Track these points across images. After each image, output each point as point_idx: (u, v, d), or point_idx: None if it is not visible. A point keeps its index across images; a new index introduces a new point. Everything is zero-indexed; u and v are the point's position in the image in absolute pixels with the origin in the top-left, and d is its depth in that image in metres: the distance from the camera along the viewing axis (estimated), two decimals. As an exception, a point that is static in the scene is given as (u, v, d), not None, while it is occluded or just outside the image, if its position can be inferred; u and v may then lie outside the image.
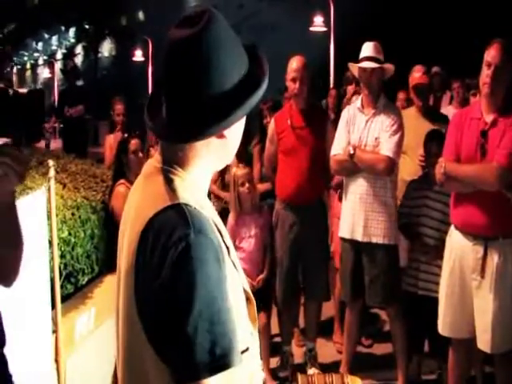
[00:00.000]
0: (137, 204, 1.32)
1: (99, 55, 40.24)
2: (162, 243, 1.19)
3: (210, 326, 1.16)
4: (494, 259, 3.11)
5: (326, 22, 7.42)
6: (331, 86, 6.67)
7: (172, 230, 1.19)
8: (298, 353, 4.29)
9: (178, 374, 1.17)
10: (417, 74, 4.34)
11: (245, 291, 1.33)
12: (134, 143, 4.04)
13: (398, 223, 3.78)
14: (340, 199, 4.48)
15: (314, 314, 4.18)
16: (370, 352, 4.42)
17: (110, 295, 3.59)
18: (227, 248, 1.28)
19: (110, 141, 5.78)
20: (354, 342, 4.01)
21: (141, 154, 4.06)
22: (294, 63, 3.88)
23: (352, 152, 3.66)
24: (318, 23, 7.31)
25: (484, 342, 3.18)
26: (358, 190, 3.72)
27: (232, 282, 1.25)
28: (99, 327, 3.38)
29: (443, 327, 3.34)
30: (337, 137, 3.81)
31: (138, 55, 11.31)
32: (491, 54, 3.06)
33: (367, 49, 3.70)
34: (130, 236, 1.28)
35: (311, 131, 3.92)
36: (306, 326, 4.27)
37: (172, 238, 1.18)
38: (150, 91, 9.94)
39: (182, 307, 1.16)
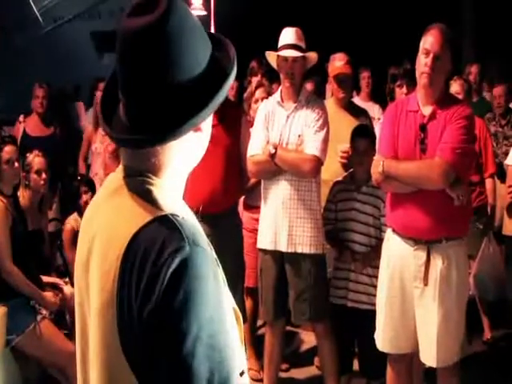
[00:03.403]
0: (107, 225, 1.23)
1: None
2: (152, 261, 1.12)
3: (208, 351, 1.11)
4: (437, 264, 3.10)
5: (206, 6, 7.23)
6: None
7: (162, 245, 1.12)
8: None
9: None
10: (339, 63, 4.27)
11: (234, 311, 1.27)
12: (7, 151, 3.66)
13: (323, 230, 3.67)
14: (246, 207, 4.31)
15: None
16: (291, 377, 4.28)
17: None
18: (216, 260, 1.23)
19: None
20: (276, 367, 3.87)
21: (17, 164, 3.65)
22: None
23: (273, 151, 3.51)
24: (196, 6, 7.07)
25: (428, 356, 3.17)
26: (279, 194, 3.58)
27: (226, 302, 1.20)
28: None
29: (383, 343, 3.28)
30: (254, 135, 3.65)
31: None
32: (429, 41, 3.05)
33: (287, 35, 3.57)
34: (102, 265, 1.19)
35: (224, 129, 3.72)
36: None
37: (164, 254, 1.12)
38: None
39: (177, 332, 1.10)
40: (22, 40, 12.70)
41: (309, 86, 5.50)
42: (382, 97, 5.31)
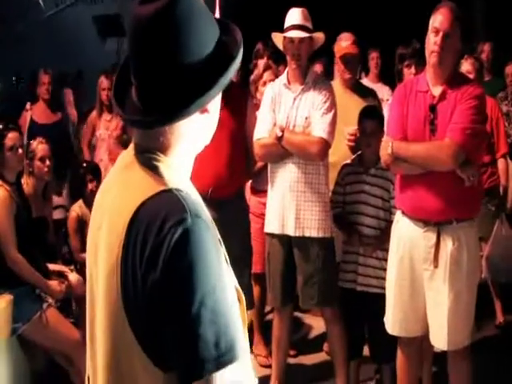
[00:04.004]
0: (115, 198, 1.30)
1: None
2: (156, 231, 1.18)
3: (213, 316, 1.16)
4: (447, 246, 3.10)
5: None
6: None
7: (166, 216, 1.18)
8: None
9: (182, 372, 1.17)
10: (345, 43, 4.24)
11: (236, 290, 1.32)
12: (11, 137, 3.66)
13: (331, 213, 3.67)
14: (254, 191, 4.32)
15: (235, 325, 3.97)
16: (299, 363, 4.30)
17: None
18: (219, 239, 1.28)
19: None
20: (284, 353, 3.89)
21: (20, 151, 3.66)
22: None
23: (280, 134, 3.50)
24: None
25: (439, 339, 3.18)
26: (286, 177, 3.58)
27: (227, 276, 1.26)
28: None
29: (393, 326, 3.29)
30: (260, 118, 3.65)
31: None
32: (439, 20, 3.04)
33: (293, 16, 3.55)
34: (110, 233, 1.26)
35: (229, 112, 3.70)
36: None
37: (167, 225, 1.17)
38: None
39: (182, 298, 1.15)
40: (23, 25, 12.67)
41: (317, 67, 5.49)
42: (390, 78, 5.28)
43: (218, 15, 7.18)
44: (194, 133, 1.33)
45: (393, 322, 3.28)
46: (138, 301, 1.19)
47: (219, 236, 1.29)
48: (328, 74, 5.56)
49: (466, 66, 4.33)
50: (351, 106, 3.98)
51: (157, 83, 1.26)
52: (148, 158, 1.29)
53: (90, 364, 1.35)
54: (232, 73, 1.28)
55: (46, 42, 12.06)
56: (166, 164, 1.29)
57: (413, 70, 4.26)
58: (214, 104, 1.33)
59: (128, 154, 1.35)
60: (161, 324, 1.17)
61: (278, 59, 4.62)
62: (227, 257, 1.33)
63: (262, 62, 4.57)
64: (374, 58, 6.10)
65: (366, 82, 5.54)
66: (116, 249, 1.22)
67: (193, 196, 1.27)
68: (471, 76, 4.11)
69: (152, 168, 1.27)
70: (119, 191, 1.30)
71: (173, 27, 1.23)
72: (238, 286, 1.34)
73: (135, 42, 1.27)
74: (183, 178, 1.32)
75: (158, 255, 1.16)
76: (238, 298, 1.31)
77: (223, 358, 1.16)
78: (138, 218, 1.21)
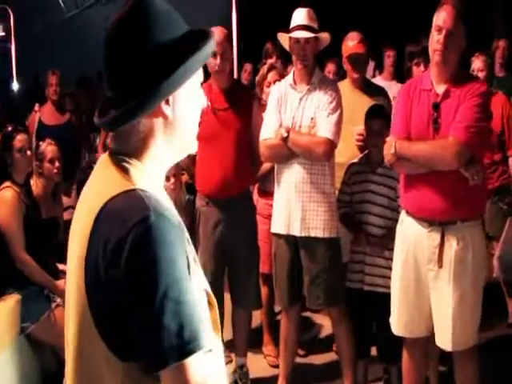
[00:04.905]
0: (87, 195, 1.36)
1: None
2: (119, 228, 1.21)
3: (176, 306, 1.18)
4: (452, 246, 3.08)
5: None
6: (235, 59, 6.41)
7: (129, 214, 1.22)
8: (225, 371, 4.08)
9: (146, 362, 1.20)
10: (351, 43, 4.23)
11: (207, 294, 1.35)
12: (20, 139, 3.73)
13: (338, 213, 3.68)
14: (261, 193, 4.33)
15: (244, 325, 4.02)
16: (308, 362, 4.31)
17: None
18: (187, 240, 1.30)
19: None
20: (292, 353, 3.89)
21: (29, 152, 3.72)
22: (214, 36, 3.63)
23: (285, 135, 3.51)
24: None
25: (443, 340, 3.16)
26: (292, 178, 3.59)
27: (194, 277, 1.27)
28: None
29: (398, 327, 3.28)
30: (266, 118, 3.65)
31: (-4, 29, 10.52)
32: (442, 18, 3.02)
33: (299, 16, 3.56)
34: (80, 229, 1.30)
35: (235, 113, 3.75)
36: (234, 339, 4.08)
37: (130, 222, 1.21)
38: (14, 71, 9.26)
39: (145, 290, 1.18)
40: (43, 25, 12.81)
41: (330, 67, 5.48)
42: (400, 76, 5.25)
43: (234, 15, 7.21)
44: (158, 141, 1.34)
45: (398, 323, 3.28)
46: (101, 296, 1.23)
47: (187, 236, 1.31)
48: (342, 74, 5.56)
49: (478, 64, 4.30)
50: (360, 105, 3.97)
51: (120, 77, 1.31)
52: (119, 160, 1.33)
53: (66, 351, 1.37)
54: (195, 64, 1.31)
55: (66, 43, 12.18)
56: (135, 166, 1.32)
57: (422, 68, 4.24)
58: (180, 108, 1.34)
59: (103, 155, 1.40)
60: (125, 318, 1.20)
61: (288, 59, 4.63)
62: (197, 258, 1.35)
63: (270, 62, 4.58)
64: (390, 56, 6.08)
65: (379, 79, 5.52)
66: (83, 244, 1.26)
67: (158, 197, 1.29)
68: (483, 73, 4.08)
69: (121, 169, 1.31)
70: (90, 190, 1.36)
71: (136, 21, 1.30)
72: (209, 289, 1.36)
73: (104, 51, 1.34)
74: (152, 181, 1.34)
75: (121, 251, 1.19)
76: (209, 302, 1.33)
77: (187, 348, 1.18)
78: (102, 215, 1.25)
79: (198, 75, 1.37)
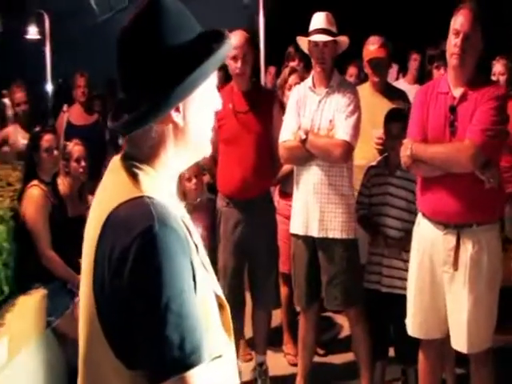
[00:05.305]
0: (99, 199, 1.37)
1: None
2: (124, 237, 1.21)
3: (178, 319, 1.19)
4: (467, 249, 3.10)
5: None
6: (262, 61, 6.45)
7: (134, 223, 1.22)
8: (245, 369, 4.16)
9: (149, 374, 1.21)
10: (372, 47, 4.27)
11: (217, 296, 1.35)
12: (47, 139, 3.84)
13: (357, 215, 3.72)
14: (282, 194, 4.38)
15: (263, 323, 4.09)
16: (327, 362, 4.36)
17: (25, 320, 3.34)
18: (196, 246, 1.31)
19: (11, 136, 5.44)
20: (310, 353, 3.94)
21: (56, 152, 3.83)
22: (235, 39, 3.71)
23: (304, 137, 3.57)
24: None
25: (459, 342, 3.18)
26: (310, 179, 3.64)
27: (202, 283, 1.28)
28: (14, 359, 3.14)
29: (413, 328, 3.31)
30: (286, 121, 3.72)
31: (32, 32, 10.59)
32: (459, 21, 3.04)
33: (318, 20, 3.62)
34: (90, 233, 1.32)
35: (256, 116, 3.82)
36: (254, 337, 4.16)
37: (135, 231, 1.21)
38: (48, 74, 9.41)
39: (147, 301, 1.19)
40: (77, 29, 12.99)
41: (352, 70, 5.51)
42: (422, 79, 5.26)
43: (261, 15, 7.25)
44: (174, 143, 1.34)
45: (413, 324, 3.30)
46: (108, 304, 1.24)
47: (199, 242, 1.32)
48: (363, 76, 5.59)
49: (498, 68, 4.30)
50: (380, 108, 4.00)
51: (132, 83, 1.31)
52: (130, 165, 1.33)
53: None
54: (207, 69, 1.29)
55: (98, 46, 12.35)
56: (145, 172, 1.32)
57: (442, 71, 4.25)
58: (191, 114, 1.33)
59: (115, 159, 1.39)
60: (130, 327, 1.21)
61: (310, 62, 4.68)
62: (208, 264, 1.36)
63: (290, 66, 4.64)
64: (415, 59, 6.09)
65: (401, 83, 5.54)
66: (92, 249, 1.27)
67: (166, 205, 1.28)
68: (503, 77, 4.08)
69: (131, 175, 1.31)
70: (101, 195, 1.37)
71: (148, 23, 1.29)
72: (220, 293, 1.37)
73: (117, 55, 1.33)
74: (162, 188, 1.33)
75: (125, 261, 1.20)
76: (220, 304, 1.35)
77: (189, 360, 1.18)
78: (109, 222, 1.26)
79: (212, 78, 1.35)
